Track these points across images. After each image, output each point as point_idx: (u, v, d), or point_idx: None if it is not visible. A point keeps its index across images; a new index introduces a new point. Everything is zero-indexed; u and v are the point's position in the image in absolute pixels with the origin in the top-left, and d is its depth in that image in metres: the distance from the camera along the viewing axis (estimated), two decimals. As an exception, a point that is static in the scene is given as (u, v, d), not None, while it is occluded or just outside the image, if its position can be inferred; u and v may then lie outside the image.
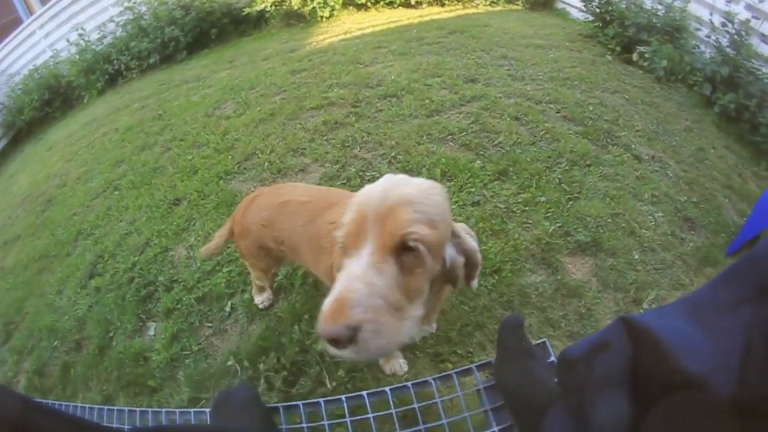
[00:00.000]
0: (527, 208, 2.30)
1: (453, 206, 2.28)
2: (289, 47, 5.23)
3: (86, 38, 7.06)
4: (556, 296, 1.88)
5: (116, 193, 3.31)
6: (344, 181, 2.58)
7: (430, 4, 6.44)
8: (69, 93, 7.25)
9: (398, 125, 3.04)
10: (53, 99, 7.36)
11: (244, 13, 6.26)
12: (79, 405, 1.89)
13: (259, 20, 6.45)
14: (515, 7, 6.38)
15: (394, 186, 0.81)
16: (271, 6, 6.14)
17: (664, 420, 0.59)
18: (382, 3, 6.37)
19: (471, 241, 0.94)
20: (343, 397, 1.49)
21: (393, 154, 2.75)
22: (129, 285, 2.41)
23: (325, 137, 3.00)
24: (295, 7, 6.09)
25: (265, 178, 2.78)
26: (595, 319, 1.79)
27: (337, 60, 4.28)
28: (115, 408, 1.78)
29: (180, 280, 2.27)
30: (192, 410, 1.61)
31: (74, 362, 2.24)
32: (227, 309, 2.05)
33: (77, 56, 7.10)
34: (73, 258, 2.89)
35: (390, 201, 0.77)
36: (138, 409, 1.74)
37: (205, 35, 6.35)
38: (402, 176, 0.85)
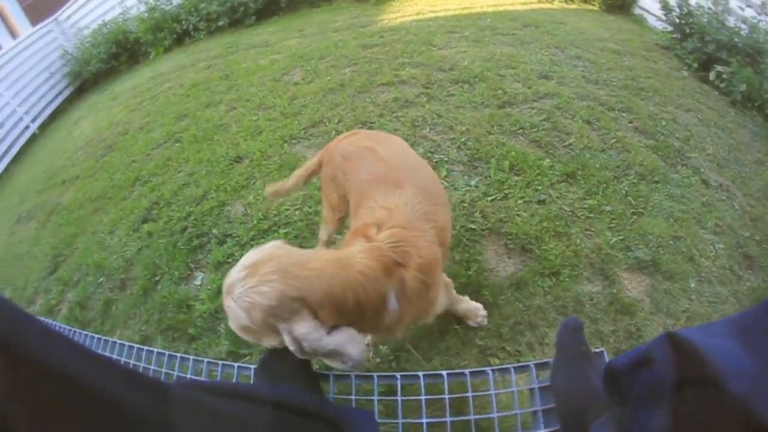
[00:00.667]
0: (591, 215, 2.16)
1: (519, 202, 2.16)
2: (360, 22, 5.16)
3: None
4: (609, 310, 1.78)
5: (177, 145, 3.33)
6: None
7: (503, -7, 6.22)
8: (136, 48, 7.48)
9: (469, 112, 2.90)
10: (120, 53, 7.62)
11: None
12: (118, 341, 1.88)
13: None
14: (591, 7, 6.08)
15: None
16: None
17: None
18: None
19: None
20: (398, 375, 1.39)
21: (463, 139, 2.62)
22: (182, 233, 2.40)
23: (394, 114, 2.90)
24: None
25: (330, 146, 2.73)
26: (643, 340, 1.70)
27: (410, 39, 4.16)
28: (155, 350, 1.75)
29: (234, 235, 2.23)
30: (236, 364, 1.54)
31: (117, 299, 2.26)
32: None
33: (146, 14, 7.30)
34: (129, 202, 2.93)
35: None
36: (179, 354, 1.70)
37: (274, 2, 6.36)
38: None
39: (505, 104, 2.99)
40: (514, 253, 1.95)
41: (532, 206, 2.19)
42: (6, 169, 5.95)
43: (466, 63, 3.55)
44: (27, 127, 6.73)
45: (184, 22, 6.72)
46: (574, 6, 6.04)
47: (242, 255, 2.03)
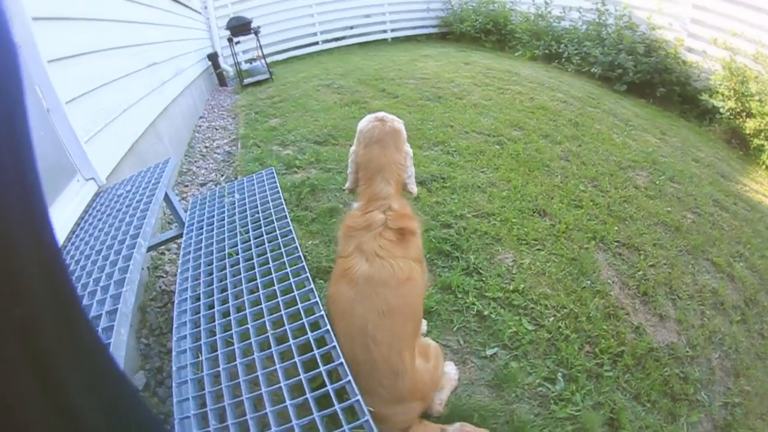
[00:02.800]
0: None
1: None
2: (720, 168, 4.44)
3: (548, 9, 7.37)
4: None
5: (497, 147, 3.35)
6: None
7: None
8: (507, 38, 7.88)
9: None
10: (491, 32, 8.17)
11: (700, 98, 5.53)
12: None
13: (706, 113, 5.67)
14: None
15: None
16: (726, 110, 5.25)
17: None
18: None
19: None
20: None
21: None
22: (437, 233, 2.39)
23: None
24: (747, 131, 5.11)
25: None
26: None
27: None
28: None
29: (489, 284, 2.12)
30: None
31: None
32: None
33: (532, 16, 7.54)
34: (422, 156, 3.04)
35: None
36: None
37: (650, 86, 5.89)
38: None
39: None
40: None
41: None
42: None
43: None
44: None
45: (562, 46, 6.76)
46: None
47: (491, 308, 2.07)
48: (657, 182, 3.39)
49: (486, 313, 1.90)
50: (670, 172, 3.65)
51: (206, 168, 3.53)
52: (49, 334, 0.37)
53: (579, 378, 1.72)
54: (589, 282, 2.20)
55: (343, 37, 8.69)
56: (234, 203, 1.88)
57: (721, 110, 5.22)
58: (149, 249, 1.92)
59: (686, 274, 2.55)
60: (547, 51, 6.95)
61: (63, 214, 1.71)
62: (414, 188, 1.47)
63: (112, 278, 1.26)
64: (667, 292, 2.40)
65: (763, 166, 4.86)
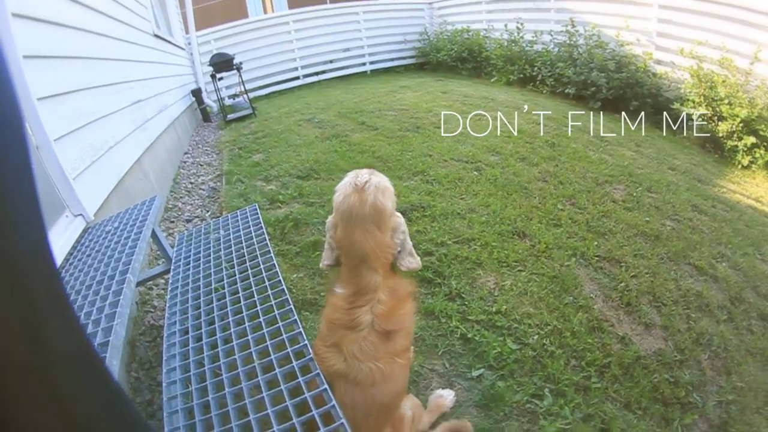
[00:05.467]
0: None
1: None
2: (697, 173, 4.59)
3: (521, 34, 7.73)
4: None
5: (475, 173, 3.48)
6: None
7: None
8: (482, 65, 8.22)
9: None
10: (467, 60, 8.53)
11: (672, 107, 5.74)
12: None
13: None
14: None
15: None
16: (698, 117, 5.45)
17: None
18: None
19: None
20: None
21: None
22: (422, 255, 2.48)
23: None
24: (720, 134, 5.30)
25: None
26: None
27: (749, 234, 3.50)
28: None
29: (467, 303, 2.21)
30: None
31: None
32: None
33: (506, 43, 7.88)
34: (402, 186, 3.22)
35: None
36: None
37: (623, 101, 6.14)
38: None
39: None
40: None
41: None
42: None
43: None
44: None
45: (536, 69, 7.05)
46: None
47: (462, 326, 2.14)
48: (634, 194, 3.53)
49: (470, 335, 1.97)
50: (646, 182, 3.80)
51: (192, 204, 3.65)
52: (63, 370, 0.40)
53: (567, 392, 1.79)
54: (571, 298, 2.29)
55: (324, 71, 9.04)
56: (219, 239, 1.98)
57: (693, 117, 5.45)
58: (138, 284, 2.00)
59: (669, 281, 2.65)
60: (521, 75, 7.25)
61: (53, 250, 1.78)
62: (410, 263, 1.29)
63: (102, 312, 1.35)
64: (650, 300, 2.48)
65: (739, 166, 5.07)
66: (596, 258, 2.64)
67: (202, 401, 1.24)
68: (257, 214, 2.14)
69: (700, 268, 2.82)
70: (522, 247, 2.62)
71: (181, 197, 3.78)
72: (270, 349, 1.34)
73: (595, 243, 2.76)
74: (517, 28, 7.72)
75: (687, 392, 1.95)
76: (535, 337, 2.03)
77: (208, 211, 3.48)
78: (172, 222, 3.31)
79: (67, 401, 0.41)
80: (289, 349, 1.33)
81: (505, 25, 7.87)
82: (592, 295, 2.37)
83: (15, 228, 0.35)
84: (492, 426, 1.64)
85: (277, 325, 1.42)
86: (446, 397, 1.67)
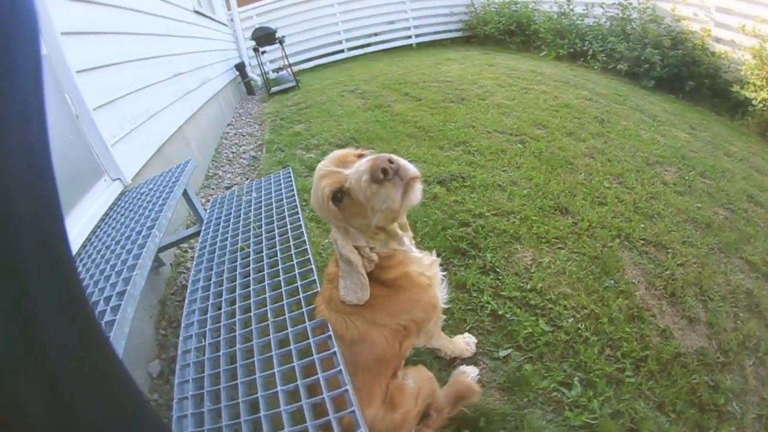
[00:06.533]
0: None
1: None
2: (755, 162, 4.06)
3: (571, 6, 7.02)
4: None
5: (519, 145, 3.18)
6: None
7: None
8: (531, 38, 7.59)
9: None
10: (515, 33, 7.89)
11: (731, 90, 5.08)
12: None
13: (738, 106, 5.22)
14: None
15: None
16: (759, 102, 4.77)
17: None
18: None
19: None
20: None
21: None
22: (451, 229, 2.26)
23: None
24: None
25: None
26: None
27: None
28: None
29: (502, 282, 1.98)
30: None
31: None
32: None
33: (555, 16, 7.22)
34: (443, 156, 2.97)
35: None
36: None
37: (678, 80, 5.49)
38: None
39: None
40: None
41: None
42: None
43: None
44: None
45: (587, 43, 6.43)
46: None
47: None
48: (686, 178, 3.11)
49: (501, 312, 1.76)
50: (700, 167, 3.36)
51: (232, 172, 3.55)
52: (53, 332, 0.37)
53: (598, 383, 1.56)
54: (612, 281, 2.01)
55: (369, 44, 8.61)
56: (251, 201, 1.85)
57: (754, 102, 4.79)
58: (171, 245, 1.94)
59: (718, 274, 2.31)
60: (571, 50, 6.62)
61: (89, 211, 1.75)
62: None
63: (125, 264, 1.27)
64: (696, 292, 2.17)
65: (802, 159, 4.44)
66: (642, 241, 2.32)
67: (214, 356, 1.14)
68: (290, 177, 1.98)
69: (752, 263, 2.46)
70: (563, 223, 2.33)
71: (222, 166, 3.69)
72: (285, 308, 1.21)
73: (642, 225, 2.43)
74: (567, 0, 7.06)
75: (726, 400, 1.65)
76: (570, 320, 1.79)
77: (247, 179, 3.37)
78: (212, 189, 3.23)
79: (65, 399, 0.39)
80: (304, 309, 1.19)
81: (555, -4, 7.23)
82: (634, 280, 2.09)
83: (19, 222, 0.33)
84: (513, 412, 1.44)
85: (296, 284, 1.28)
86: (469, 373, 1.49)
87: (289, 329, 1.13)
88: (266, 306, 1.24)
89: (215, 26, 6.16)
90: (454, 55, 7.04)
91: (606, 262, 2.10)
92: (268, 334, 1.14)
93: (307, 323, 1.13)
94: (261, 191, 1.93)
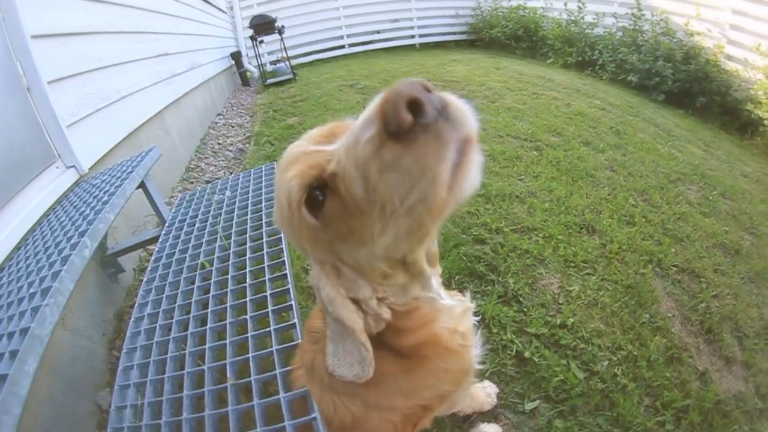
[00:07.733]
0: None
1: None
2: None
3: (581, 15, 6.73)
4: None
5: (534, 152, 2.87)
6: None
7: None
8: (538, 45, 7.27)
9: None
10: (522, 38, 7.56)
11: (742, 109, 4.82)
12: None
13: (748, 125, 4.96)
14: None
15: None
16: None
17: None
18: None
19: None
20: None
21: None
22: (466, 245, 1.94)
23: None
24: None
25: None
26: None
27: None
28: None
29: (523, 305, 1.66)
30: None
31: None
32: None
33: (564, 24, 6.93)
34: None
35: None
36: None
37: (689, 95, 5.21)
38: None
39: None
40: None
41: None
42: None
43: None
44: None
45: (596, 53, 6.14)
46: None
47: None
48: (710, 198, 2.84)
49: (527, 354, 1.44)
50: (721, 187, 3.09)
51: (215, 165, 3.21)
52: None
53: (638, 442, 1.27)
54: (648, 316, 1.72)
55: (370, 42, 8.22)
56: (223, 201, 1.50)
57: (766, 122, 4.55)
58: (132, 249, 1.57)
59: (751, 307, 2.03)
60: (580, 58, 6.33)
61: (32, 202, 1.41)
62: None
63: (40, 286, 0.90)
64: (732, 328, 1.89)
65: (817, 185, 4.20)
66: (674, 268, 2.03)
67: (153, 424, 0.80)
68: (273, 175, 1.63)
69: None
70: (591, 245, 2.03)
71: (205, 158, 3.34)
72: (252, 365, 0.86)
73: (673, 250, 2.14)
74: (578, 7, 6.75)
75: (769, 453, 1.41)
76: (605, 363, 1.49)
77: (231, 173, 3.02)
78: (191, 183, 2.89)
79: None
80: (277, 372, 0.84)
81: (565, 4, 6.87)
82: (669, 314, 1.80)
83: None
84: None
85: (268, 328, 0.95)
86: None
87: (255, 401, 0.79)
88: (225, 359, 0.89)
89: (213, 11, 5.77)
90: (459, 57, 6.72)
91: (640, 292, 1.80)
92: (226, 405, 0.79)
93: (282, 395, 0.78)
94: (237, 189, 1.59)
